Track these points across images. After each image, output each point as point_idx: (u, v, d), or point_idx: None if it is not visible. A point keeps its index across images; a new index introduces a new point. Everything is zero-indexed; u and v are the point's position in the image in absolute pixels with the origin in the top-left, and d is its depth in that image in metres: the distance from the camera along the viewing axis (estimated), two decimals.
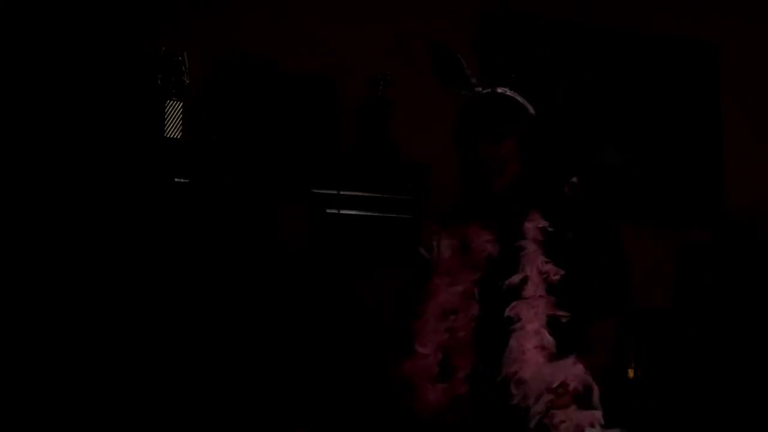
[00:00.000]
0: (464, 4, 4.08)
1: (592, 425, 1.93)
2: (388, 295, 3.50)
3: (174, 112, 3.32)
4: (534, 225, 2.10)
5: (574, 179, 2.20)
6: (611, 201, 4.22)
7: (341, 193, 3.52)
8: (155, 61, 3.36)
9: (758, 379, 4.05)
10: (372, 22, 3.93)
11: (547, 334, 2.01)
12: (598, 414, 1.94)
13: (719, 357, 4.10)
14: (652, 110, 4.55)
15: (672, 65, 4.60)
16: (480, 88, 2.23)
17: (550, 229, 2.09)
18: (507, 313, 2.05)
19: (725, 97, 4.68)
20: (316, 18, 3.81)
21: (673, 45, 4.59)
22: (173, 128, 3.32)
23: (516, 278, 2.06)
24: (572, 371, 1.94)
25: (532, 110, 2.20)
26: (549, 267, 2.05)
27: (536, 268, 2.05)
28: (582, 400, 1.94)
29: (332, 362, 3.37)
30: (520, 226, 2.12)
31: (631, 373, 3.83)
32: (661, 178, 4.54)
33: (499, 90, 2.21)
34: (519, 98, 2.20)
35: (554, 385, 1.93)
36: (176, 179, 3.21)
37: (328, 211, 3.49)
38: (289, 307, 3.36)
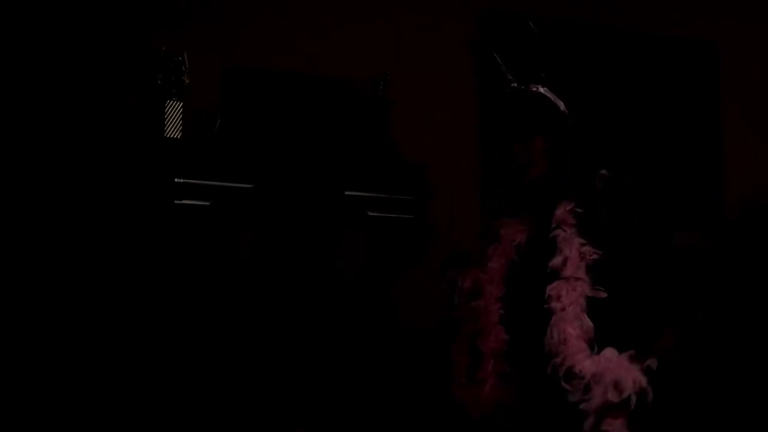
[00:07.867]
0: (463, 4, 4.07)
1: None
2: (390, 295, 3.52)
3: (174, 112, 3.32)
4: (563, 210, 2.16)
5: (603, 171, 2.24)
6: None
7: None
8: (155, 61, 3.36)
9: (760, 379, 4.05)
10: (372, 22, 3.93)
11: (587, 319, 2.04)
12: None
13: (721, 357, 4.10)
14: (651, 110, 4.55)
15: (671, 64, 4.60)
16: (515, 84, 2.28)
17: (578, 210, 2.14)
18: (548, 292, 2.08)
19: (725, 97, 4.68)
20: (315, 18, 3.81)
21: (672, 44, 4.59)
22: (173, 128, 3.31)
23: (557, 260, 2.11)
24: (630, 374, 1.95)
25: (563, 108, 2.25)
26: (586, 248, 2.10)
27: (575, 248, 2.11)
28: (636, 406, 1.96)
29: (332, 362, 3.38)
30: (551, 215, 2.18)
31: None
32: (659, 178, 4.54)
33: (533, 88, 2.25)
34: (551, 96, 2.25)
35: (610, 386, 1.94)
36: (176, 179, 3.21)
37: None
38: (288, 307, 3.36)
